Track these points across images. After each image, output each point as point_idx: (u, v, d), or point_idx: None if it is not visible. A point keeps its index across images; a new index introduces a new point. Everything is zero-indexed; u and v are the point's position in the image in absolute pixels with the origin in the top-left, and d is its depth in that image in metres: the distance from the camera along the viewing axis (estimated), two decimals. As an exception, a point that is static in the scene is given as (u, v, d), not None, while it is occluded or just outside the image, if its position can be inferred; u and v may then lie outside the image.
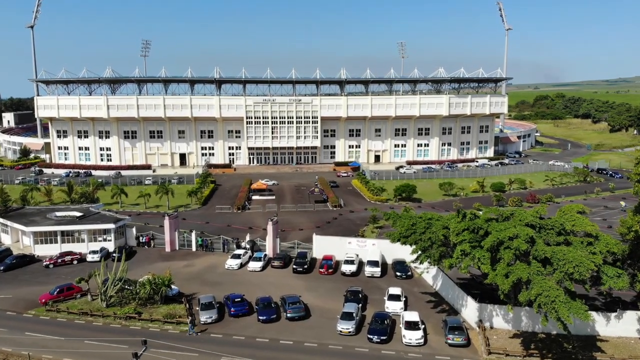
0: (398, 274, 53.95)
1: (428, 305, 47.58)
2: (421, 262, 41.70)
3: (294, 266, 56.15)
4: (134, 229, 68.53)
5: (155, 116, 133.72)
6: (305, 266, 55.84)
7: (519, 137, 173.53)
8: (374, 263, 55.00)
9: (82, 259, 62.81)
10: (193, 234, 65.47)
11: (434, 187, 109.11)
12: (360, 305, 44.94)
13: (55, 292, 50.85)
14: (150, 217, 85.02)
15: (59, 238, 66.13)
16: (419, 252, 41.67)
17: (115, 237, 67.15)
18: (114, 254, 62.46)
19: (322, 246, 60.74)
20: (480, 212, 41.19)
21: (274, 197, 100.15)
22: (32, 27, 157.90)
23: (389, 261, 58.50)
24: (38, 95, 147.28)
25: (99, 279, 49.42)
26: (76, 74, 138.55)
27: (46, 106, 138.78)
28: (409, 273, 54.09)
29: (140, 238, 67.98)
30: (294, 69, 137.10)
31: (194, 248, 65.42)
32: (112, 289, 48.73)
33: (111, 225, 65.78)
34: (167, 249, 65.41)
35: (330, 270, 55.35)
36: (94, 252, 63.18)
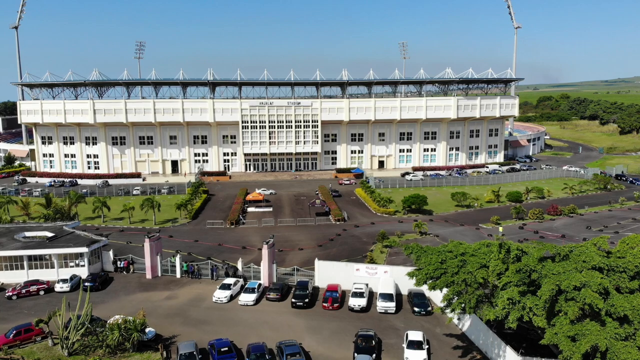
0: (416, 309, 45.67)
1: (455, 353, 39.34)
2: (453, 310, 33.37)
3: (293, 300, 47.88)
4: (110, 252, 60.27)
5: (145, 121, 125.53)
6: (306, 300, 47.57)
7: (528, 141, 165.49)
8: (387, 296, 46.70)
9: (49, 288, 54.60)
10: (177, 259, 57.21)
11: (445, 196, 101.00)
12: (374, 356, 36.75)
13: (12, 335, 42.66)
14: (135, 233, 76.83)
15: (25, 264, 57.95)
16: (452, 297, 33.19)
17: (90, 261, 58.94)
18: (86, 283, 54.54)
19: (326, 273, 52.55)
20: (526, 244, 32.63)
21: (271, 209, 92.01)
22: (16, 27, 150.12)
23: (404, 291, 50.29)
24: (23, 99, 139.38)
25: (60, 320, 41.25)
26: (62, 77, 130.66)
27: (29, 111, 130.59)
28: (429, 308, 45.88)
29: (118, 262, 59.71)
30: (293, 71, 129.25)
31: (178, 274, 57.18)
32: (74, 334, 40.49)
33: (84, 249, 57.49)
34: (148, 275, 57.17)
35: (335, 305, 47.09)
36: (64, 281, 54.96)
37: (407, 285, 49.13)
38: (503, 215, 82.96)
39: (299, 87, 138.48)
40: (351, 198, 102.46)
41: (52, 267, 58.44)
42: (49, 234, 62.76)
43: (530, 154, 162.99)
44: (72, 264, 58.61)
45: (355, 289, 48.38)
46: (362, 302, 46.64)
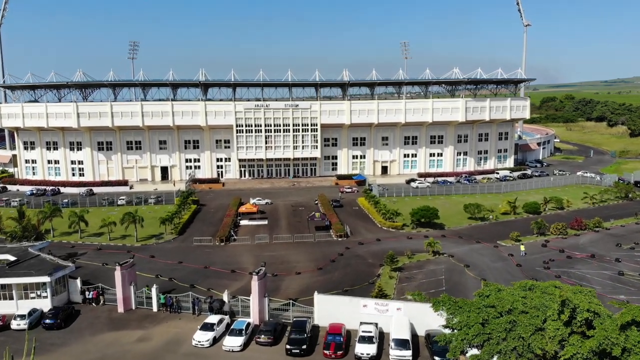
0: (437, 358, 37.69)
1: None
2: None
3: (288, 346, 39.81)
4: (78, 281, 52.20)
5: (133, 125, 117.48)
6: (304, 346, 39.56)
7: (538, 144, 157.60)
8: (402, 343, 38.64)
9: (5, 325, 46.62)
10: (154, 291, 49.13)
11: (455, 206, 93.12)
12: None
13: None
14: (113, 252, 68.85)
15: (-20, 294, 50.00)
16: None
17: (56, 290, 51.03)
18: (46, 320, 46.61)
19: (327, 309, 44.53)
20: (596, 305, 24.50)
21: (266, 222, 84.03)
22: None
23: (420, 331, 42.31)
24: (5, 102, 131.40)
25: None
26: (45, 78, 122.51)
27: (10, 114, 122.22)
28: (453, 357, 37.83)
29: (87, 293, 51.67)
30: (290, 71, 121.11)
31: (154, 308, 49.16)
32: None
33: (45, 279, 49.46)
34: (120, 309, 49.15)
35: (339, 353, 39.02)
36: (21, 316, 46.96)
37: (424, 324, 41.42)
38: (522, 230, 74.92)
39: (297, 88, 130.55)
40: (353, 209, 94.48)
41: (12, 298, 50.54)
42: (11, 258, 54.72)
43: (540, 158, 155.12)
44: (33, 294, 50.59)
45: (363, 332, 40.35)
46: (371, 349, 38.61)
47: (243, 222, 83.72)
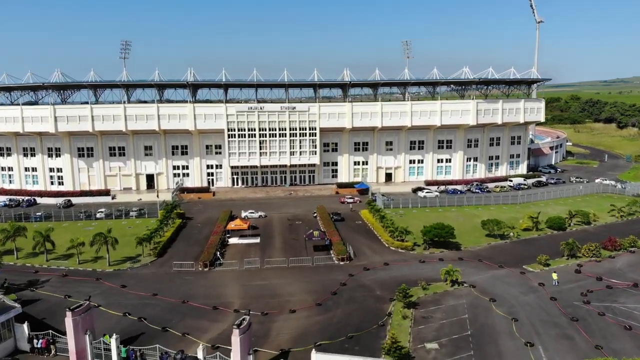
0: None
1: None
2: None
3: None
4: (25, 326, 42.83)
5: (115, 129, 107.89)
6: None
7: (551, 148, 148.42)
8: None
9: None
10: (113, 342, 39.75)
11: (469, 220, 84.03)
12: None
13: None
14: (81, 279, 59.66)
15: None
16: None
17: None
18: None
19: (328, 371, 35.28)
20: None
21: (258, 240, 74.73)
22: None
23: (446, 402, 33.08)
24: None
25: None
26: (21, 79, 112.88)
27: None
28: None
29: (35, 341, 42.31)
30: (287, 71, 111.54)
31: (115, 363, 39.84)
32: None
33: (-19, 326, 40.24)
34: (72, 363, 39.85)
35: None
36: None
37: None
38: (548, 250, 65.69)
39: (294, 89, 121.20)
40: (356, 223, 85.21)
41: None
42: (-51, 295, 45.52)
43: (553, 162, 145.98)
44: (-31, 343, 41.42)
45: (375, 409, 31.14)
46: None
47: (232, 241, 74.39)
